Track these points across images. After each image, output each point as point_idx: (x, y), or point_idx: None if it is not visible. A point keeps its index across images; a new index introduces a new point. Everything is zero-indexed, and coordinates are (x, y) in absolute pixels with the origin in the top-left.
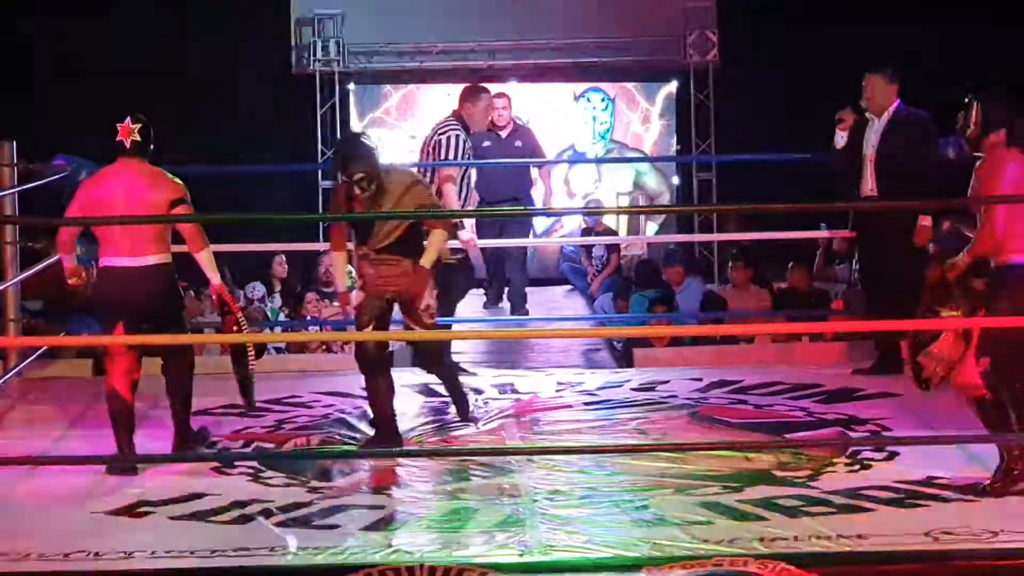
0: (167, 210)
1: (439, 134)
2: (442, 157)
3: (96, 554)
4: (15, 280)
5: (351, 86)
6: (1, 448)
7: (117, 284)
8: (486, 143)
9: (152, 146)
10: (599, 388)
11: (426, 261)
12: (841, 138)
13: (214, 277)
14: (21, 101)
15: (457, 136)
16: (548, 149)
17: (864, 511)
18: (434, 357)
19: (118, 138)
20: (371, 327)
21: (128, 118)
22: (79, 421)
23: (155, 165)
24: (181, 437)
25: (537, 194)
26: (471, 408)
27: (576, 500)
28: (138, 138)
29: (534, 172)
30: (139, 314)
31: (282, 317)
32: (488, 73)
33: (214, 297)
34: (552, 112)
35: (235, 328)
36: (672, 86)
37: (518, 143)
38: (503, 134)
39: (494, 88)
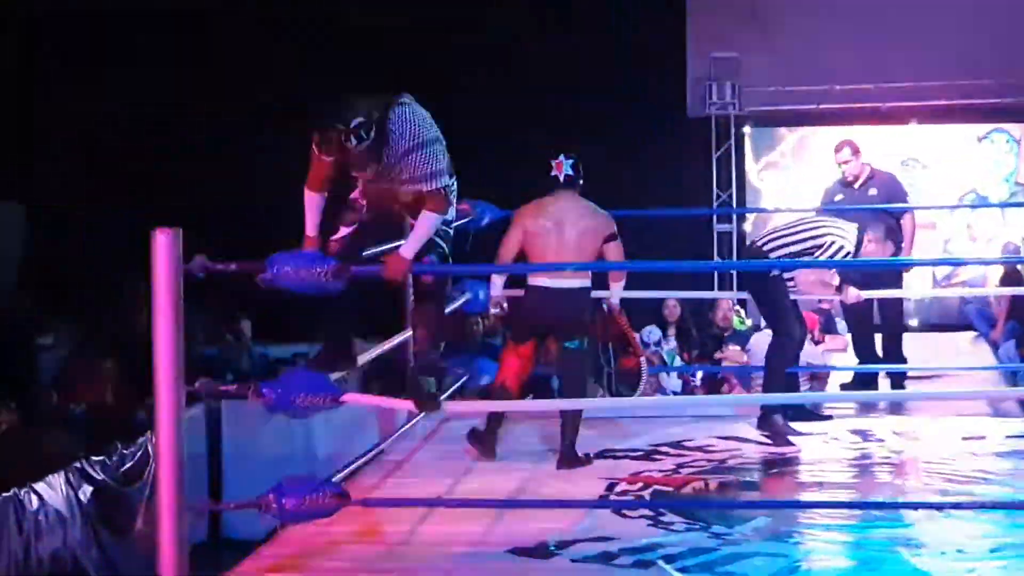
0: (603, 242)
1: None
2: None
3: None
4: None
5: (746, 129)
6: (406, 488)
7: (541, 302)
8: (838, 196)
9: (582, 180)
10: (1007, 437)
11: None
12: None
13: (616, 300)
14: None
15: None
16: (949, 193)
17: None
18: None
19: (552, 173)
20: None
21: (561, 155)
22: (480, 461)
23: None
24: (566, 458)
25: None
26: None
27: (986, 554)
28: (571, 172)
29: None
30: (555, 330)
31: (678, 361)
32: (886, 115)
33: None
34: (954, 154)
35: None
36: None
37: (872, 192)
38: (855, 185)
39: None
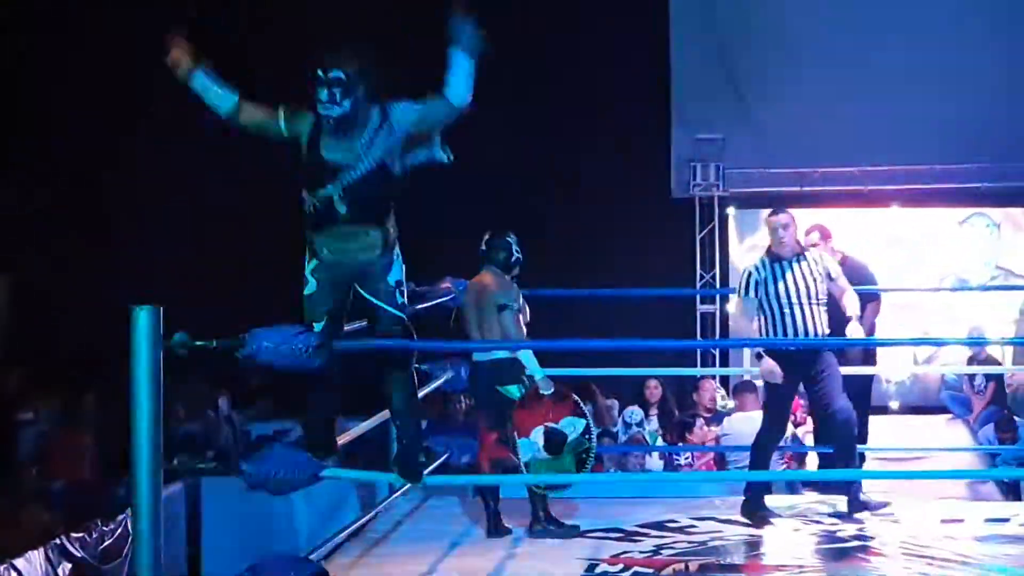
0: (496, 313)
1: None
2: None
3: None
4: None
5: (730, 210)
6: (386, 566)
7: (474, 375)
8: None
9: (503, 255)
10: (986, 521)
11: None
12: None
13: (536, 373)
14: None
15: (748, 272)
16: (930, 275)
17: None
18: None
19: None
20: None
21: (487, 233)
22: (462, 540)
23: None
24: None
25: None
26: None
27: None
28: (483, 248)
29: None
30: (488, 401)
31: (660, 441)
32: (869, 197)
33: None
34: (935, 237)
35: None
36: None
37: None
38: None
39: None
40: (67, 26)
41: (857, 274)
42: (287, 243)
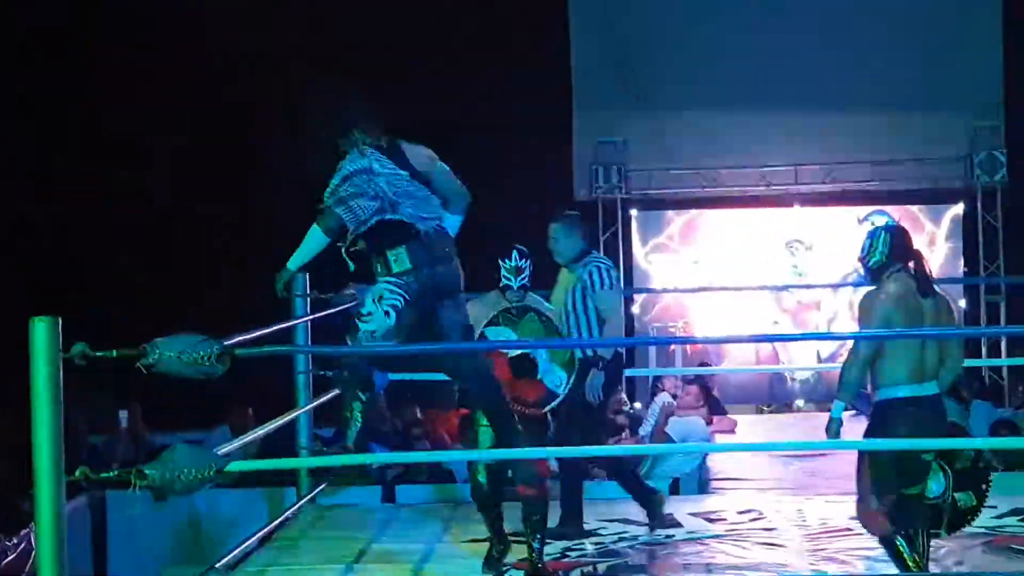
0: None
1: None
2: None
3: None
4: (308, 407)
5: (633, 212)
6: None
7: None
8: None
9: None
10: None
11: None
12: None
13: None
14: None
15: None
16: (833, 273)
17: None
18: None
19: None
20: None
21: None
22: (369, 550)
23: None
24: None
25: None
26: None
27: None
28: None
29: None
30: None
31: None
32: (770, 198)
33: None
34: (836, 236)
35: None
36: (959, 208)
37: None
38: None
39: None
40: None
41: None
42: (198, 254)
